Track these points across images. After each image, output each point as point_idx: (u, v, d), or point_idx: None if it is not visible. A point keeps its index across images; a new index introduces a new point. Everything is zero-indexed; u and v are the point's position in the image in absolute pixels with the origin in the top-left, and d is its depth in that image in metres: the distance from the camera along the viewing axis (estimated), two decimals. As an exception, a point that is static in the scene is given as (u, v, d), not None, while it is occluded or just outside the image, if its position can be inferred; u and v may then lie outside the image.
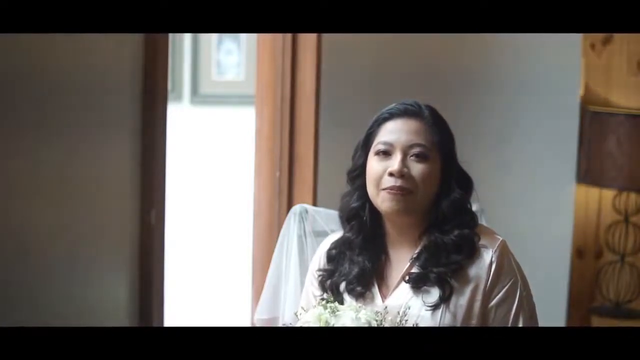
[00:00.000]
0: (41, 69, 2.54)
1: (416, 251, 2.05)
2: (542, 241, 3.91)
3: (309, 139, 3.40)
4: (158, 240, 2.94)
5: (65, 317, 2.66)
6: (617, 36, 4.10)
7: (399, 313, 1.98)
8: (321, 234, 2.43)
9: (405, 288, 2.03)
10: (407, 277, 2.04)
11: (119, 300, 2.87)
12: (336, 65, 3.45)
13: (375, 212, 2.08)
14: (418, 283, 2.01)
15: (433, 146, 2.04)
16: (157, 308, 2.96)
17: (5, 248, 2.48)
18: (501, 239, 2.06)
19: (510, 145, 3.92)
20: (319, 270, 2.15)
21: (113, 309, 2.86)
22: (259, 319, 2.53)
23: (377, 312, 1.95)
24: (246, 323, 3.58)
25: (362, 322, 1.90)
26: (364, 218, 2.08)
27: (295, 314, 2.01)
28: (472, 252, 2.02)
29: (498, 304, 2.02)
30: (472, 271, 2.02)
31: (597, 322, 4.09)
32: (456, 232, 2.02)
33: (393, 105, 2.09)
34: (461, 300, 2.00)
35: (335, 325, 1.90)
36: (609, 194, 4.14)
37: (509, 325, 2.02)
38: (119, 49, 2.79)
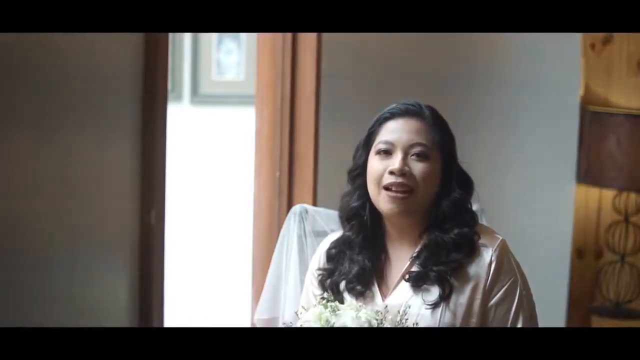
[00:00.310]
0: (41, 68, 2.54)
1: (416, 250, 2.05)
2: (542, 241, 3.91)
3: (309, 139, 3.40)
4: (158, 240, 2.93)
5: (65, 317, 2.66)
6: (617, 36, 4.10)
7: (399, 312, 1.98)
8: (321, 234, 2.43)
9: (405, 287, 2.04)
10: (407, 276, 2.04)
11: (119, 300, 2.87)
12: (336, 65, 3.45)
13: (375, 211, 2.08)
14: (418, 282, 2.02)
15: (434, 146, 2.05)
16: (157, 308, 2.95)
17: (5, 248, 2.48)
18: (501, 238, 2.06)
19: (510, 145, 3.92)
20: (319, 269, 2.15)
21: (113, 309, 2.86)
22: (259, 319, 2.53)
23: (377, 311, 1.96)
24: (246, 323, 3.58)
25: (363, 321, 1.90)
26: (364, 218, 2.09)
27: (296, 313, 2.01)
28: (472, 251, 2.03)
29: (498, 303, 2.03)
30: (472, 270, 2.02)
31: (597, 322, 4.09)
32: (456, 231, 2.03)
33: (394, 105, 2.10)
34: (461, 299, 2.01)
35: (336, 324, 1.90)
36: (609, 194, 4.14)
37: (509, 324, 2.02)
38: (119, 49, 2.79)
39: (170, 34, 3.04)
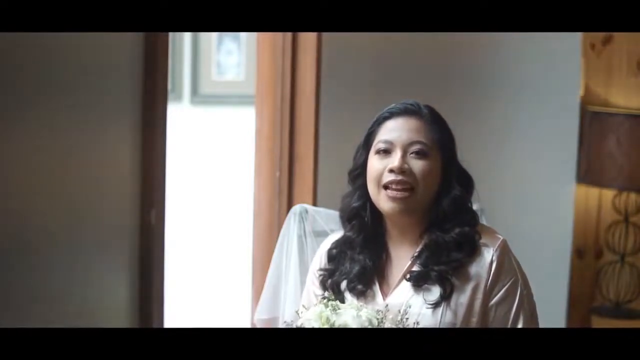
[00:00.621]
0: (41, 68, 2.54)
1: (417, 249, 2.06)
2: (542, 241, 3.91)
3: (309, 139, 3.40)
4: (158, 240, 2.93)
5: (65, 317, 2.65)
6: (617, 36, 4.10)
7: (399, 311, 1.98)
8: (321, 234, 2.43)
9: (406, 286, 2.04)
10: (408, 276, 2.04)
11: (119, 300, 2.86)
12: (336, 65, 3.45)
13: (376, 211, 2.09)
14: (419, 281, 2.02)
15: (433, 144, 2.05)
16: (157, 308, 2.95)
17: (5, 248, 2.47)
18: (502, 238, 2.06)
19: (510, 145, 3.92)
20: (320, 269, 2.15)
21: (113, 309, 2.86)
22: (258, 319, 2.53)
23: (378, 311, 1.96)
24: (246, 323, 3.58)
25: (363, 320, 1.91)
26: (365, 218, 2.09)
27: (297, 312, 2.01)
28: (472, 251, 2.03)
29: (498, 303, 2.03)
30: (473, 269, 2.02)
31: (597, 322, 4.09)
32: (457, 230, 2.03)
33: (393, 104, 2.10)
34: (462, 299, 2.01)
35: (336, 322, 1.90)
36: (609, 194, 4.14)
37: (510, 323, 2.02)
38: (119, 49, 2.79)
39: (170, 34, 3.04)
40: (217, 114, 5.09)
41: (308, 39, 3.38)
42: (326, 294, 2.06)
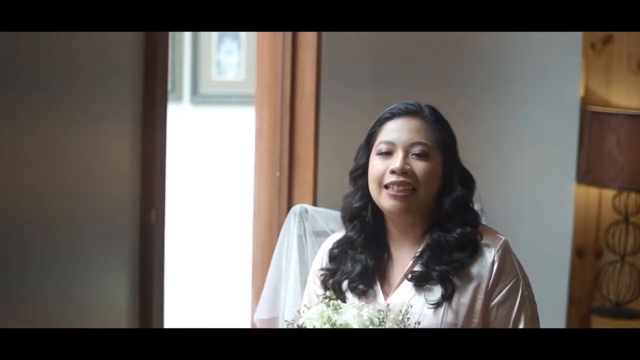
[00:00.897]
0: (40, 68, 2.54)
1: (419, 249, 2.06)
2: (542, 241, 3.91)
3: (309, 139, 3.40)
4: (158, 240, 2.93)
5: (65, 317, 2.65)
6: (617, 36, 4.10)
7: (401, 311, 1.99)
8: (321, 234, 2.44)
9: (407, 286, 2.04)
10: (409, 275, 2.04)
11: (119, 301, 2.86)
12: (336, 65, 3.45)
13: (377, 211, 2.09)
14: (420, 281, 2.02)
15: (434, 144, 2.05)
16: (157, 308, 2.95)
17: (4, 248, 2.47)
18: (503, 238, 2.06)
19: (510, 145, 3.92)
20: (321, 269, 2.15)
21: (113, 309, 2.86)
22: (258, 319, 2.53)
23: (379, 310, 1.96)
24: (246, 323, 3.57)
25: (365, 320, 1.91)
26: (367, 218, 2.09)
27: (298, 311, 2.01)
28: (474, 251, 2.03)
29: (500, 303, 2.03)
30: (474, 270, 2.02)
31: (597, 322, 4.09)
32: (459, 231, 2.03)
33: (394, 105, 2.10)
34: (463, 299, 2.01)
35: (338, 322, 1.90)
36: (609, 194, 4.14)
37: (511, 324, 2.02)
38: (119, 49, 2.78)
39: (170, 34, 3.04)
40: (217, 114, 5.09)
41: (308, 38, 3.37)
42: (327, 293, 2.06)
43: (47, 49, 2.53)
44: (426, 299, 2.01)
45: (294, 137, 3.42)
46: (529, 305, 2.05)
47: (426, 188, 2.03)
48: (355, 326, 1.90)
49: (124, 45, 2.80)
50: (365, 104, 3.44)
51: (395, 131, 2.06)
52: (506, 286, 2.03)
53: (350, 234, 2.12)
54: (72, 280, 2.68)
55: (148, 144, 2.87)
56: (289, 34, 3.38)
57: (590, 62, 4.09)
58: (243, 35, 5.02)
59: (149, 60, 2.85)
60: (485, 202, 2.30)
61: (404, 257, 2.08)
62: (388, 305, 2.00)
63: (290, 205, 3.28)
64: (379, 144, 2.06)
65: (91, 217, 2.74)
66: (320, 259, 2.19)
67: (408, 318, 1.97)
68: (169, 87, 4.64)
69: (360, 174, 2.11)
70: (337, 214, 2.24)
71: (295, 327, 1.95)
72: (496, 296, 2.03)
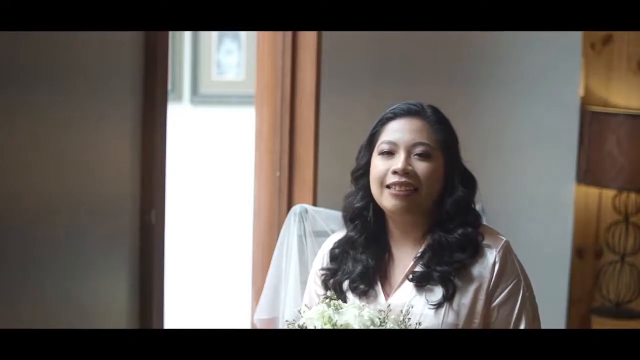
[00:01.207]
0: (40, 68, 2.54)
1: (420, 250, 2.06)
2: (542, 241, 3.91)
3: (309, 139, 3.40)
4: (158, 240, 2.93)
5: (64, 317, 2.65)
6: (617, 36, 4.10)
7: (402, 311, 1.98)
8: (321, 234, 2.43)
9: (408, 286, 2.04)
10: (410, 276, 2.04)
11: (119, 301, 2.86)
12: (336, 65, 3.45)
13: (379, 211, 2.09)
14: (421, 281, 2.02)
15: (436, 145, 2.05)
16: (157, 308, 2.95)
17: (4, 248, 2.47)
18: (505, 239, 2.06)
19: (510, 145, 3.92)
20: (322, 269, 2.15)
21: (113, 309, 2.86)
22: (258, 319, 2.53)
23: (380, 311, 1.96)
24: (246, 323, 3.57)
25: (365, 320, 1.90)
26: (368, 218, 2.09)
27: (299, 311, 2.01)
28: (475, 252, 2.03)
29: (501, 304, 2.02)
30: (476, 270, 2.02)
31: (597, 322, 4.09)
32: (460, 231, 2.03)
33: (396, 105, 2.10)
34: (464, 299, 2.01)
35: (339, 322, 1.90)
36: (609, 194, 4.14)
37: (512, 324, 2.02)
38: (119, 49, 2.78)
39: (170, 34, 3.04)
40: (217, 114, 5.09)
41: (308, 38, 3.37)
42: (328, 293, 2.06)
43: (47, 49, 2.52)
44: (427, 300, 2.01)
45: (294, 137, 3.42)
46: (530, 306, 2.04)
47: (428, 188, 2.03)
48: (356, 326, 1.90)
49: (124, 45, 2.80)
50: (365, 104, 3.44)
51: (398, 131, 2.06)
52: (507, 287, 2.03)
53: (352, 233, 2.12)
54: (71, 280, 2.68)
55: (148, 144, 2.86)
56: (289, 34, 3.38)
57: (590, 62, 4.09)
58: (243, 35, 5.02)
59: (149, 60, 2.85)
60: (485, 202, 2.30)
61: (405, 258, 2.07)
62: (389, 305, 2.00)
63: (290, 205, 3.28)
64: (381, 144, 2.06)
65: (91, 217, 2.74)
66: (321, 259, 2.19)
67: (409, 318, 1.97)
68: (169, 87, 4.64)
69: (361, 173, 2.10)
70: (337, 214, 2.24)
71: (296, 326, 1.95)
72: (497, 297, 2.03)
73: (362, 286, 2.07)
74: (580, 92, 4.03)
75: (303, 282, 2.37)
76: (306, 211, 2.51)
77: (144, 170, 2.87)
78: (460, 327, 2.00)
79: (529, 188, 3.95)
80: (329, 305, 1.94)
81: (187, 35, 4.95)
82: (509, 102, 3.89)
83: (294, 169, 3.42)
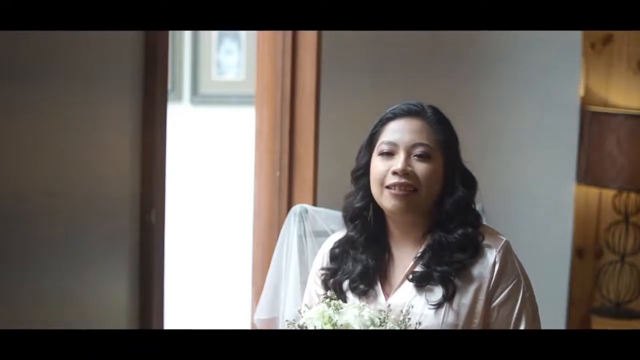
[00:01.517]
0: (40, 67, 2.54)
1: (420, 250, 2.06)
2: (542, 241, 3.91)
3: (309, 139, 3.40)
4: (158, 240, 2.93)
5: (64, 317, 2.65)
6: (617, 36, 4.10)
7: (402, 311, 1.98)
8: (321, 234, 2.43)
9: (408, 287, 2.04)
10: (410, 276, 2.04)
11: (118, 300, 2.86)
12: (336, 65, 3.45)
13: (379, 211, 2.09)
14: (421, 282, 2.02)
15: (436, 145, 2.05)
16: (157, 308, 2.95)
17: (4, 248, 2.47)
18: (505, 239, 2.06)
19: (510, 145, 3.92)
20: (322, 269, 2.15)
21: (113, 309, 2.85)
22: (258, 319, 2.53)
23: (380, 311, 1.96)
24: (246, 323, 3.57)
25: (365, 320, 1.90)
26: (368, 218, 2.09)
27: (299, 311, 2.01)
28: (476, 252, 2.03)
29: (501, 304, 2.02)
30: (476, 271, 2.02)
31: (597, 322, 4.09)
32: (460, 231, 2.03)
33: (396, 105, 2.10)
34: (464, 300, 2.01)
35: (339, 322, 1.90)
36: (609, 194, 4.14)
37: (512, 325, 2.02)
38: (119, 49, 2.78)
39: (170, 33, 3.04)
40: (217, 114, 5.09)
41: (308, 38, 3.37)
42: (328, 293, 2.06)
43: (47, 49, 2.52)
44: (427, 300, 2.01)
45: (294, 137, 3.42)
46: (530, 306, 2.04)
47: (428, 189, 2.03)
48: (356, 326, 1.90)
49: (124, 45, 2.80)
50: (365, 103, 3.43)
51: (398, 132, 2.06)
52: (507, 287, 2.03)
53: (352, 233, 2.12)
54: (72, 280, 2.68)
55: (148, 144, 2.86)
56: (289, 34, 3.38)
57: (590, 62, 4.09)
58: (243, 35, 5.02)
59: (149, 60, 2.85)
60: (485, 202, 2.30)
61: (405, 258, 2.07)
62: (389, 305, 2.00)
63: (290, 205, 3.28)
64: (381, 145, 2.06)
65: (91, 217, 2.74)
66: (321, 259, 2.19)
67: (409, 318, 1.97)
68: (169, 87, 4.64)
69: (361, 174, 2.10)
70: (337, 214, 2.24)
71: (296, 326, 1.95)
72: (497, 297, 2.03)
73: (362, 286, 2.07)
74: (580, 92, 4.03)
75: (303, 282, 2.37)
76: (306, 211, 2.51)
77: (144, 170, 2.87)
78: (460, 327, 2.00)
79: (529, 188, 3.95)
80: (329, 305, 1.94)
81: (187, 35, 4.95)
82: (509, 102, 3.89)
83: (294, 169, 3.42)
